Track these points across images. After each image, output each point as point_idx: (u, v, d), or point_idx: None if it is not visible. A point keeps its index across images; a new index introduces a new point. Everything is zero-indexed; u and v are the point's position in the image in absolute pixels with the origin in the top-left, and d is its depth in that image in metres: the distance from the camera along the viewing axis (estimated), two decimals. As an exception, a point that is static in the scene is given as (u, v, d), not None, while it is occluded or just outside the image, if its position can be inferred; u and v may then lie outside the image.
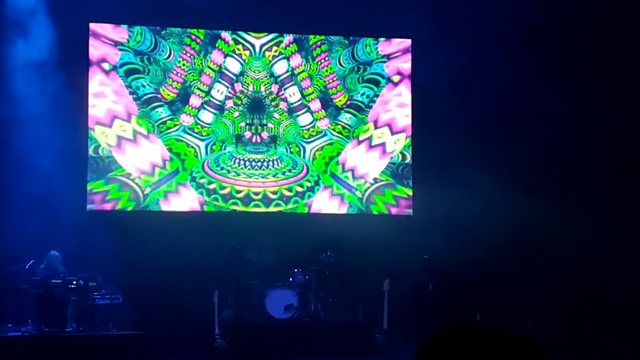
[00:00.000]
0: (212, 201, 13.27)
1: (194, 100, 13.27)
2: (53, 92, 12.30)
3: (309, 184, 13.66)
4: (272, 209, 13.48)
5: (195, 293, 12.00)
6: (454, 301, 12.36)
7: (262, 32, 13.67)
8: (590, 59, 13.67)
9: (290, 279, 12.56)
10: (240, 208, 13.37)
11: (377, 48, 13.86)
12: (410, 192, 13.82)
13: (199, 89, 13.28)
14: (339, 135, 13.75)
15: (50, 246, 11.43)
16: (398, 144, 13.84)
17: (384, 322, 12.00)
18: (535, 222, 13.13)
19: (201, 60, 13.27)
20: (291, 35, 13.62)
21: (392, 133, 13.85)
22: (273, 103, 13.59)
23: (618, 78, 13.75)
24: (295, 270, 12.61)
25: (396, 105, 13.94)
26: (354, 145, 13.77)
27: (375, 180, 13.76)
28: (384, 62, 13.86)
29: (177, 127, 13.21)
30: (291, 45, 13.58)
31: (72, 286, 10.70)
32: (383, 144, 13.83)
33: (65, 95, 12.40)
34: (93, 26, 12.97)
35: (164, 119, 13.16)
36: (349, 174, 13.72)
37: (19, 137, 12.17)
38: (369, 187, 13.73)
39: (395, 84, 13.92)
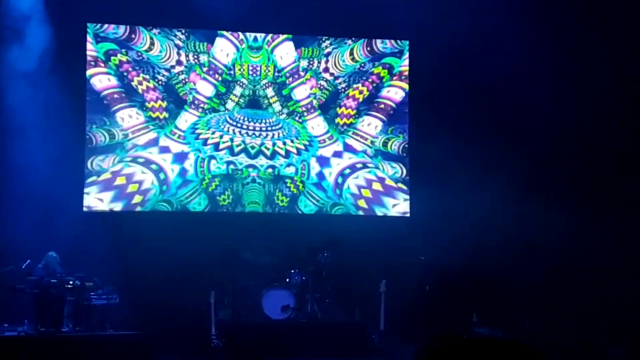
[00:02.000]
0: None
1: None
2: (50, 93, 12.29)
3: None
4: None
5: (191, 293, 12.02)
6: (450, 302, 12.36)
7: (260, 32, 13.79)
8: (590, 59, 13.66)
9: (287, 280, 12.55)
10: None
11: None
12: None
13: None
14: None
15: (47, 246, 11.42)
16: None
17: (381, 323, 12.02)
18: (532, 224, 13.13)
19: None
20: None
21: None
22: (265, 102, 13.92)
23: (619, 77, 13.75)
24: (292, 270, 12.60)
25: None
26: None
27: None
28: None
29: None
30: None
31: (69, 286, 10.68)
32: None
33: (62, 96, 12.40)
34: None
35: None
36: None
37: (15, 139, 12.16)
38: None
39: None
